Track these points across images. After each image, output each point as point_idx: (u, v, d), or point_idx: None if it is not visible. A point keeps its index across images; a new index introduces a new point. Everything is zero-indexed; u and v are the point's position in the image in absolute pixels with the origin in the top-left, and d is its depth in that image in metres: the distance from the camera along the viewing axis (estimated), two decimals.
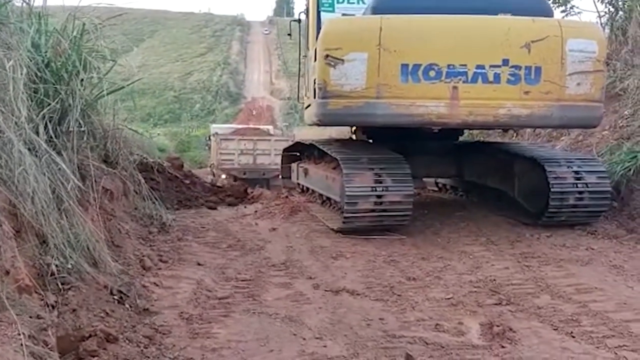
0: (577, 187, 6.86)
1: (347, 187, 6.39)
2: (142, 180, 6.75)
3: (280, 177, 20.36)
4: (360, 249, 6.09)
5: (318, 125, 7.09)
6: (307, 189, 9.19)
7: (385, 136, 7.79)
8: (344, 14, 7.98)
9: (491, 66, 6.02)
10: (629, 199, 7.31)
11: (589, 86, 6.14)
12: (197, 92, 67.47)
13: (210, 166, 24.01)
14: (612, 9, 11.31)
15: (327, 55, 6.02)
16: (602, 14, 11.20)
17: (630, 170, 7.42)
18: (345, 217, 6.53)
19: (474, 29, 6.16)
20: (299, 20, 9.53)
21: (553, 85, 6.09)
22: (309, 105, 8.18)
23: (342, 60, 5.98)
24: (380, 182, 6.45)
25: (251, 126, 28.41)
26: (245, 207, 8.75)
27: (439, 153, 8.08)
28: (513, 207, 7.67)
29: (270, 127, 28.13)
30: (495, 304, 4.41)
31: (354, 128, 9.09)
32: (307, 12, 9.02)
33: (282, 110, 63.10)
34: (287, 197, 9.29)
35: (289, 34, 10.06)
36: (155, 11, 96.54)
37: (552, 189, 6.77)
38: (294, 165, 10.01)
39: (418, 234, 6.78)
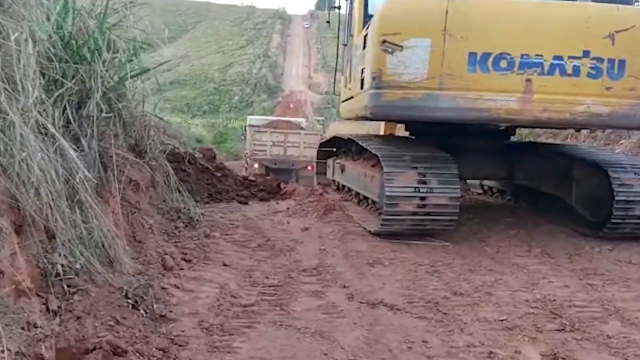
0: None
1: (388, 186, 5.87)
2: (172, 172, 6.35)
3: (309, 169, 22.25)
4: (399, 256, 5.57)
5: (368, 119, 6.50)
6: (343, 186, 8.69)
7: (430, 132, 7.22)
8: None
9: (570, 57, 5.40)
10: None
11: None
12: (237, 84, 67.86)
13: (244, 156, 25.11)
14: None
15: (384, 41, 5.47)
16: None
17: None
18: (384, 219, 6.01)
19: (551, 16, 5.53)
20: (339, 7, 9.01)
21: (637, 81, 5.44)
22: (349, 98, 7.67)
23: (401, 46, 5.43)
24: (425, 183, 5.91)
25: (284, 119, 29.37)
26: (277, 203, 8.29)
27: (489, 153, 7.47)
28: (569, 215, 7.04)
29: (302, 120, 29.28)
30: (558, 330, 3.84)
31: (397, 125, 8.53)
32: None
33: (319, 104, 62.88)
34: (321, 194, 8.81)
35: (328, 22, 9.54)
36: (198, 3, 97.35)
37: (616, 197, 6.15)
38: (329, 161, 9.51)
39: (463, 241, 6.23)
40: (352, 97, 7.45)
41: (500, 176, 7.83)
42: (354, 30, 7.65)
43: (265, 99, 65.64)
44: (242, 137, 28.24)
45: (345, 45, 8.64)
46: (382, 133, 9.24)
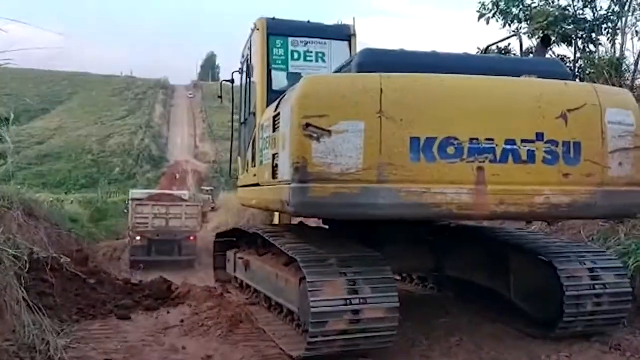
0: (594, 288, 5.48)
1: (314, 301, 4.66)
2: (22, 294, 4.78)
3: (192, 239, 23.10)
4: None
5: (295, 216, 5.35)
6: (248, 285, 7.37)
7: (346, 221, 6.14)
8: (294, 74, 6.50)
9: (523, 141, 4.53)
10: None
11: (630, 166, 4.76)
12: (117, 155, 64.97)
13: (128, 229, 25.17)
14: None
15: (308, 125, 4.38)
16: None
17: None
18: (310, 343, 4.76)
19: (501, 93, 4.69)
20: (232, 81, 7.95)
21: (595, 166, 4.66)
22: (252, 185, 6.50)
23: (329, 131, 4.36)
24: (356, 292, 4.78)
25: (166, 192, 30.74)
26: (168, 312, 6.79)
27: (413, 242, 6.49)
28: (507, 310, 6.20)
29: (185, 193, 30.70)
30: None
31: None
32: (246, 71, 7.46)
33: (206, 173, 61.37)
34: (222, 295, 7.43)
35: (219, 97, 8.43)
36: (74, 74, 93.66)
37: (567, 293, 5.36)
38: (229, 254, 8.17)
39: (402, 357, 5.11)
40: (257, 185, 6.27)
41: (428, 267, 6.86)
42: (256, 108, 6.58)
43: (150, 170, 63.28)
44: (125, 211, 27.98)
45: (244, 124, 7.53)
46: (276, 221, 8.11)
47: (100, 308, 6.58)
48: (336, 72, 5.44)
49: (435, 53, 5.32)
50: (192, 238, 23.65)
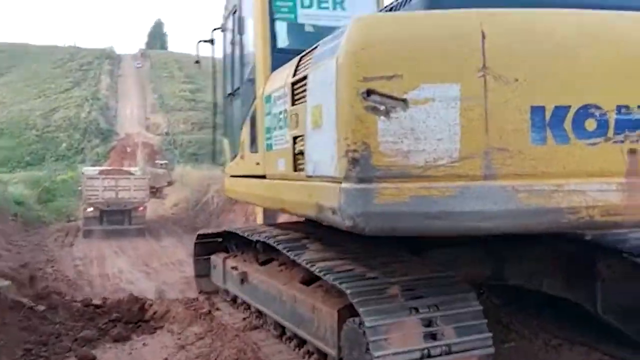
0: None
1: (379, 357, 3.14)
2: None
3: (141, 209, 24.76)
4: None
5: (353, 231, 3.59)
6: (245, 301, 5.79)
7: None
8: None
9: None
10: None
11: None
12: (63, 130, 61.76)
13: (81, 204, 26.76)
14: None
15: (370, 91, 2.80)
16: None
17: None
18: None
19: None
20: (212, 41, 6.23)
21: None
22: (251, 176, 4.89)
23: (404, 100, 2.80)
24: (435, 337, 3.30)
25: (116, 167, 33.06)
26: (144, 343, 5.20)
27: (464, 241, 4.99)
28: (592, 329, 4.81)
29: (134, 169, 31.60)
30: None
31: None
32: (233, 26, 5.73)
33: (160, 146, 59.12)
34: (209, 313, 5.85)
35: (197, 62, 6.64)
36: (13, 44, 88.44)
37: None
38: (216, 260, 6.53)
39: None
40: (261, 177, 4.67)
41: (485, 276, 5.37)
42: (254, 73, 4.92)
43: (98, 144, 60.42)
44: (79, 187, 29.56)
45: (232, 95, 5.84)
46: (260, 219, 6.56)
47: (54, 345, 4.92)
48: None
49: None
50: (141, 208, 25.41)
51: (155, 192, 38.60)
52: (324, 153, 3.28)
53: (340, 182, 3.03)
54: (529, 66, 2.85)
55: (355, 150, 2.87)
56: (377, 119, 2.83)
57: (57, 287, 11.43)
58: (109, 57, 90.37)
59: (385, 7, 3.83)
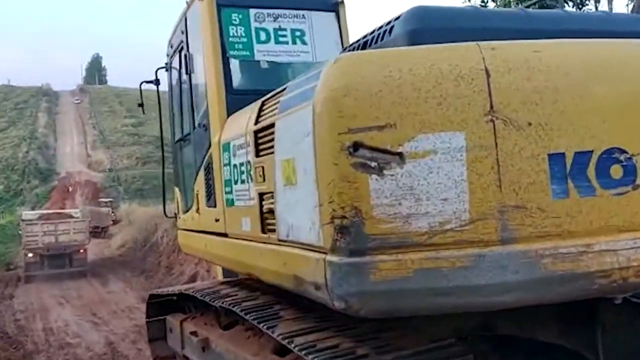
0: None
1: None
2: None
3: (82, 252, 25.20)
4: None
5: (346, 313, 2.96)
6: None
7: None
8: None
9: None
10: None
11: None
12: (0, 171, 59.30)
13: (21, 249, 26.83)
14: None
15: (357, 146, 2.34)
16: None
17: None
18: None
19: None
20: (157, 82, 5.66)
21: None
22: (205, 232, 4.34)
23: (400, 154, 2.34)
24: None
25: (55, 211, 33.03)
26: None
27: None
28: None
29: (74, 211, 32.11)
30: None
31: None
32: (180, 65, 5.20)
33: (103, 183, 57.67)
34: None
35: (140, 104, 6.01)
36: None
37: None
38: (172, 322, 5.86)
39: None
40: (221, 234, 4.12)
41: (473, 327, 4.92)
42: (207, 117, 4.40)
43: (38, 184, 58.65)
44: (20, 232, 29.21)
45: (182, 141, 5.27)
46: (220, 275, 5.99)
47: None
48: (350, 50, 3.34)
49: (524, 11, 3.37)
50: (81, 251, 25.69)
51: (100, 232, 37.58)
52: (301, 216, 2.76)
53: (326, 253, 2.52)
54: (542, 107, 2.42)
55: (343, 217, 2.37)
56: (368, 177, 2.34)
57: None
58: (46, 95, 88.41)
59: (354, 44, 3.37)
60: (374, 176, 2.34)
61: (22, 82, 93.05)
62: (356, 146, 2.35)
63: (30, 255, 25.09)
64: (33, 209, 40.40)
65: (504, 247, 2.35)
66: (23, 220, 28.82)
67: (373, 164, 2.34)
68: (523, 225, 2.37)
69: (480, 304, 2.42)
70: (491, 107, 2.38)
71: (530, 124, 2.40)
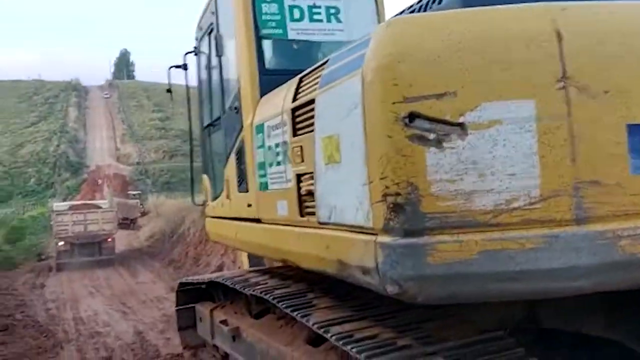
0: None
1: None
2: None
3: (109, 240, 25.91)
4: None
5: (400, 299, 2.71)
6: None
7: None
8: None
9: None
10: None
11: None
12: (31, 165, 60.66)
13: (53, 238, 27.54)
14: None
15: (413, 116, 2.11)
16: None
17: None
18: None
19: None
20: (186, 67, 5.49)
21: None
22: (236, 219, 4.15)
23: (462, 124, 2.12)
24: None
25: (85, 202, 33.53)
26: None
27: None
28: None
29: (103, 202, 32.33)
30: None
31: None
32: (210, 48, 5.00)
33: (131, 176, 58.25)
34: None
35: (169, 90, 5.89)
36: None
37: None
38: (202, 311, 5.71)
39: None
40: (254, 220, 3.92)
41: (516, 319, 4.66)
42: (239, 99, 4.20)
43: (68, 177, 59.44)
44: (52, 223, 29.64)
45: (211, 126, 5.09)
46: (245, 264, 5.81)
47: None
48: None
49: None
50: (109, 240, 26.25)
51: (129, 223, 37.99)
52: (346, 195, 2.55)
53: (376, 235, 2.30)
54: (619, 73, 2.17)
55: (397, 194, 2.14)
56: (425, 151, 2.11)
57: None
58: (75, 89, 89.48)
59: (404, 11, 3.12)
60: (432, 149, 2.12)
61: (52, 76, 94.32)
62: (412, 116, 2.13)
63: (61, 243, 25.82)
64: (64, 201, 40.80)
65: (578, 227, 2.11)
66: (54, 211, 29.35)
67: (431, 135, 2.12)
68: (599, 202, 2.12)
69: (551, 290, 2.18)
70: (564, 73, 2.13)
71: (606, 91, 2.15)
